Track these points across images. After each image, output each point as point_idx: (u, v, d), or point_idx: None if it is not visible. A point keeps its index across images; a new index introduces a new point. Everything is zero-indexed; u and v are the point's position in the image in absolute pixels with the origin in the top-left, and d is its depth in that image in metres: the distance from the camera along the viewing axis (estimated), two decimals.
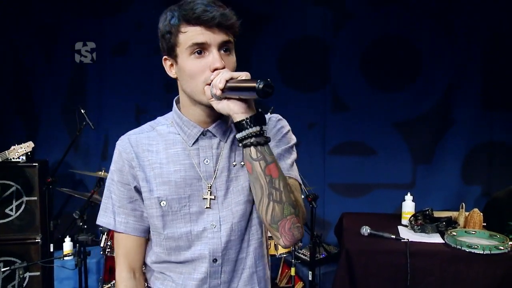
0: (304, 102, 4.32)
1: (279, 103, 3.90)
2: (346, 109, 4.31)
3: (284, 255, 3.54)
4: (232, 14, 1.26)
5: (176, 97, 1.43)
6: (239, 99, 1.21)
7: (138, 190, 1.38)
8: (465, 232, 2.91)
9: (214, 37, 1.24)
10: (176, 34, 1.26)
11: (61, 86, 4.50)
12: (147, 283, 1.51)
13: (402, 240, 2.79)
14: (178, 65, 1.30)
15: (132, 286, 1.44)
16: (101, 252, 3.29)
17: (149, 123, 1.46)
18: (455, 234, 2.83)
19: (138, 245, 1.44)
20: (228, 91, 1.19)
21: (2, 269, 3.47)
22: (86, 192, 3.67)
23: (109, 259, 3.37)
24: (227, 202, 1.37)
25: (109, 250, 3.23)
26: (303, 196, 1.45)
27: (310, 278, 3.35)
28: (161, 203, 1.35)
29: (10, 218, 3.79)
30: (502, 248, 2.63)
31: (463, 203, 3.18)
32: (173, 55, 1.30)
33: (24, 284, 3.75)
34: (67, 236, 3.76)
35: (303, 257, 3.82)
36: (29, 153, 3.58)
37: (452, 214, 3.16)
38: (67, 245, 3.75)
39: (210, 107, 1.27)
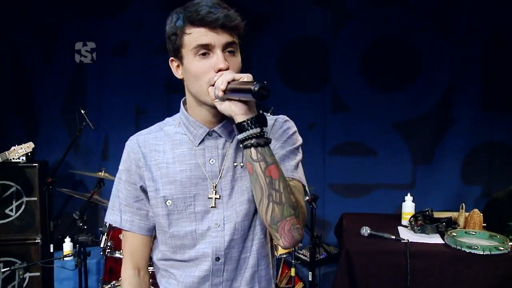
0: (304, 102, 4.32)
1: (279, 103, 3.91)
2: (346, 109, 4.31)
3: (284, 256, 3.54)
4: (236, 15, 1.28)
5: (183, 98, 1.45)
6: (240, 101, 1.22)
7: (144, 190, 1.41)
8: (465, 232, 2.91)
9: (218, 38, 1.26)
10: (181, 36, 1.29)
11: (61, 86, 4.50)
12: (154, 281, 1.54)
13: (402, 241, 2.79)
14: (184, 66, 1.33)
15: (135, 283, 1.46)
16: (101, 253, 3.28)
17: (158, 123, 1.48)
18: (455, 234, 2.83)
19: (143, 243, 1.47)
20: (230, 92, 1.21)
21: (2, 270, 3.47)
22: (86, 193, 3.67)
23: (109, 259, 3.36)
24: (231, 201, 1.38)
25: (109, 250, 3.23)
26: (307, 198, 1.45)
27: (310, 279, 3.35)
28: (167, 202, 1.37)
29: (10, 219, 3.80)
30: (502, 248, 2.63)
31: (463, 204, 3.18)
32: (179, 56, 1.33)
33: (24, 285, 3.76)
34: (67, 237, 3.76)
35: (303, 257, 3.82)
36: (29, 154, 3.59)
37: (452, 214, 3.17)
38: (67, 246, 3.75)
39: (215, 108, 1.29)
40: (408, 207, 3.20)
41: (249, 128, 1.22)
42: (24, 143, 3.48)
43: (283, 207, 1.24)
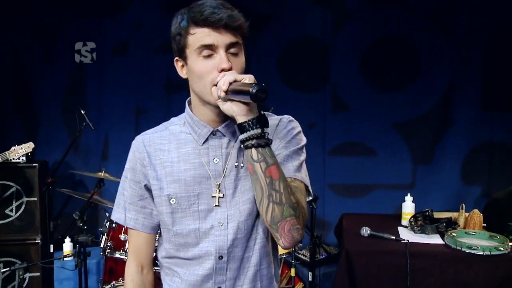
0: (304, 102, 4.31)
1: (279, 103, 3.91)
2: (346, 109, 4.30)
3: (284, 256, 3.54)
4: (239, 16, 1.30)
5: (188, 98, 1.46)
6: (242, 101, 1.23)
7: (148, 189, 1.43)
8: (465, 233, 2.91)
9: (221, 38, 1.27)
10: (185, 36, 1.30)
11: (61, 86, 4.50)
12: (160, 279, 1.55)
13: (402, 241, 2.80)
14: (188, 66, 1.34)
15: (138, 281, 1.50)
16: (101, 253, 3.29)
17: (164, 123, 1.50)
18: (455, 235, 2.83)
19: (147, 241, 1.50)
20: (231, 93, 1.22)
21: (2, 270, 3.47)
22: (86, 193, 3.67)
23: (109, 259, 3.37)
24: (235, 200, 1.39)
25: (109, 251, 3.23)
26: (310, 198, 1.46)
27: (310, 279, 3.36)
28: (171, 201, 1.39)
29: (10, 219, 3.80)
30: (502, 249, 2.64)
31: (463, 204, 3.18)
32: (183, 56, 1.35)
33: (24, 285, 3.76)
34: (67, 237, 3.76)
35: (303, 257, 3.82)
36: (29, 154, 3.59)
37: (452, 215, 3.17)
38: (67, 246, 3.75)
39: (218, 108, 1.30)
40: (408, 207, 3.20)
41: (250, 129, 1.24)
42: (24, 143, 3.48)
43: (283, 207, 1.25)
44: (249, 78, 1.22)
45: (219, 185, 1.38)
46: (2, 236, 3.77)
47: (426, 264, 2.66)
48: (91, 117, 3.68)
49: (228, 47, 1.29)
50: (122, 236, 3.23)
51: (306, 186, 1.43)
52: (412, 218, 3.06)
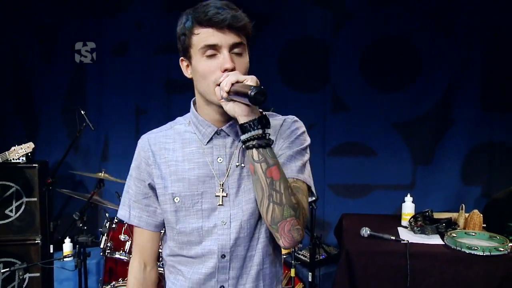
0: (303, 102, 4.31)
1: (279, 104, 3.90)
2: (346, 109, 4.30)
3: (284, 256, 3.54)
4: (244, 16, 1.31)
5: (193, 98, 1.47)
6: (243, 102, 1.24)
7: (152, 187, 1.45)
8: (465, 233, 2.91)
9: (225, 39, 1.28)
10: (190, 36, 1.32)
11: (61, 86, 4.50)
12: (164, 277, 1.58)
13: (402, 242, 2.80)
14: (192, 65, 1.36)
15: (140, 278, 1.53)
16: (101, 253, 3.29)
17: (169, 122, 1.52)
18: (455, 235, 2.83)
19: (151, 239, 1.52)
20: (233, 94, 1.23)
21: (2, 270, 3.48)
22: (86, 193, 3.67)
23: (109, 260, 3.37)
24: (238, 200, 1.40)
25: (109, 251, 3.23)
26: (314, 198, 1.47)
27: (310, 279, 3.36)
28: (175, 199, 1.41)
29: (10, 219, 3.80)
30: (502, 249, 2.63)
31: (463, 204, 3.18)
32: (187, 56, 1.36)
33: (24, 285, 3.76)
34: (67, 237, 3.76)
35: (303, 258, 3.81)
36: (29, 154, 3.59)
37: (452, 215, 3.17)
38: (67, 246, 3.75)
39: (222, 107, 1.31)
40: (408, 207, 3.20)
41: (251, 129, 1.25)
42: (24, 143, 3.48)
43: (283, 207, 1.26)
44: (251, 79, 1.23)
45: (222, 184, 1.39)
46: (2, 237, 3.77)
47: (426, 265, 2.65)
48: (91, 117, 3.68)
49: (232, 47, 1.30)
50: (122, 237, 3.23)
51: (309, 187, 1.43)
52: (412, 219, 3.06)
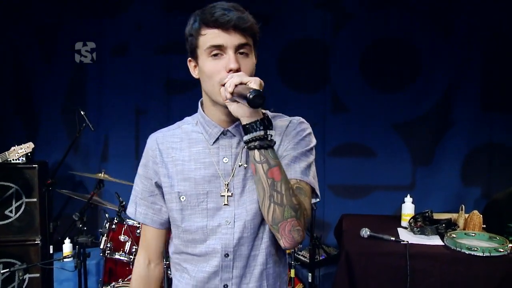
0: (303, 103, 4.31)
1: (279, 104, 3.89)
2: (346, 110, 4.30)
3: None
4: (250, 18, 1.34)
5: (201, 99, 1.49)
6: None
7: (159, 186, 1.48)
8: (465, 234, 2.91)
9: (230, 39, 1.30)
10: (197, 37, 1.35)
11: (61, 86, 4.50)
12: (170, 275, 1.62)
13: (401, 242, 2.79)
14: (199, 66, 1.39)
15: (144, 273, 1.57)
16: (101, 254, 3.30)
17: (178, 122, 1.55)
18: (454, 236, 2.83)
19: (156, 236, 1.55)
20: (236, 95, 1.25)
21: (2, 271, 3.48)
22: (86, 194, 3.67)
23: (109, 261, 3.37)
24: (242, 200, 1.41)
25: (108, 252, 3.24)
26: (318, 200, 1.51)
27: (309, 280, 3.36)
28: (181, 198, 1.43)
29: (10, 220, 3.80)
30: (501, 250, 2.63)
31: (463, 205, 3.18)
32: (195, 56, 1.39)
33: (24, 286, 3.77)
34: (67, 238, 3.76)
35: (303, 258, 3.82)
36: (29, 154, 3.58)
37: (452, 216, 3.16)
38: (67, 247, 3.75)
39: (227, 108, 1.32)
40: (408, 208, 3.20)
41: (253, 130, 1.27)
42: (24, 143, 3.48)
43: (284, 208, 1.28)
44: (254, 81, 1.25)
45: (227, 184, 1.41)
46: (2, 237, 3.77)
47: (425, 265, 2.65)
48: (91, 117, 3.68)
49: (238, 48, 1.32)
50: (121, 237, 3.23)
51: (313, 189, 1.45)
52: (412, 219, 3.06)
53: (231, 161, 1.42)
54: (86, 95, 4.50)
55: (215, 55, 1.32)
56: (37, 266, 3.68)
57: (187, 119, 1.54)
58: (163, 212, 1.51)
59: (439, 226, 2.96)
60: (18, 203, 3.81)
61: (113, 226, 3.26)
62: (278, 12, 4.29)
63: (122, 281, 3.13)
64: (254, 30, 1.35)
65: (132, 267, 3.25)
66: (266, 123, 1.28)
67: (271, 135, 1.29)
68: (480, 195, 4.14)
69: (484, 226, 3.02)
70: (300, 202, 1.31)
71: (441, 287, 2.63)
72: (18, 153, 3.45)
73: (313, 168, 1.47)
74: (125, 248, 3.23)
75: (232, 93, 1.25)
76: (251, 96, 1.18)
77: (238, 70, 1.30)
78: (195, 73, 1.43)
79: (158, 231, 1.54)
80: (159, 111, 4.39)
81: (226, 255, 1.41)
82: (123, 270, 3.31)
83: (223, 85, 1.29)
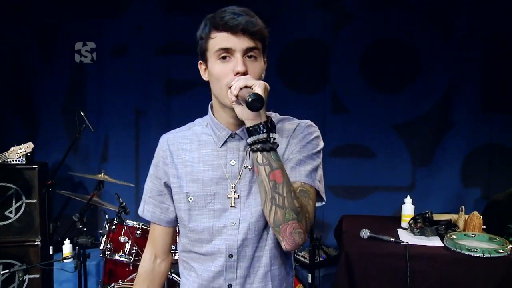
0: (303, 103, 4.31)
1: (279, 104, 3.88)
2: (346, 110, 4.30)
3: None
4: (259, 22, 1.37)
5: (211, 102, 1.52)
6: None
7: (167, 186, 1.52)
8: (465, 235, 2.91)
9: (239, 43, 1.33)
10: (207, 40, 1.37)
11: (61, 86, 4.50)
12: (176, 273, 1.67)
13: (401, 243, 2.80)
14: (208, 68, 1.41)
15: (149, 268, 1.63)
16: (101, 255, 3.29)
17: (189, 123, 1.58)
18: (454, 237, 2.83)
19: (163, 233, 1.61)
20: (240, 98, 1.27)
21: (2, 272, 3.48)
22: (86, 195, 3.66)
23: (109, 261, 3.36)
24: (248, 202, 1.44)
25: (108, 252, 3.23)
26: (324, 203, 1.53)
27: (309, 281, 3.36)
28: (189, 198, 1.46)
29: (10, 220, 3.80)
30: (501, 251, 2.63)
31: (463, 206, 3.18)
32: (205, 59, 1.42)
33: (24, 287, 3.77)
34: (67, 239, 3.77)
35: (303, 259, 3.82)
36: (28, 154, 3.58)
37: (452, 217, 3.16)
38: (67, 248, 3.76)
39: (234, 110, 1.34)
40: (408, 209, 3.19)
41: (256, 133, 1.29)
42: (23, 144, 3.48)
43: (285, 211, 1.29)
44: (259, 85, 1.27)
45: (234, 186, 1.44)
46: (2, 238, 3.77)
47: (425, 266, 2.65)
48: (90, 117, 3.68)
49: (246, 51, 1.34)
50: (121, 238, 3.23)
51: (318, 192, 1.45)
52: (412, 220, 3.05)
53: (238, 163, 1.44)
54: (86, 95, 4.50)
55: (224, 58, 1.34)
56: (37, 267, 3.69)
57: (197, 120, 1.56)
58: (170, 211, 1.55)
59: (439, 227, 2.96)
60: (18, 204, 3.81)
61: (113, 227, 3.26)
62: (278, 12, 4.29)
63: (122, 282, 3.12)
64: (263, 34, 1.38)
65: (132, 268, 3.26)
66: (270, 126, 1.30)
67: (274, 138, 1.30)
68: (480, 196, 4.14)
69: (484, 227, 3.02)
70: (302, 205, 1.32)
71: None
72: (17, 153, 3.44)
73: (320, 171, 1.48)
74: (125, 249, 3.22)
75: (237, 96, 1.27)
76: (249, 100, 1.20)
77: (245, 73, 1.32)
78: (205, 76, 1.45)
79: (165, 229, 1.59)
80: (159, 111, 4.39)
81: (230, 256, 1.43)
82: (123, 271, 3.31)
83: (230, 87, 1.31)
